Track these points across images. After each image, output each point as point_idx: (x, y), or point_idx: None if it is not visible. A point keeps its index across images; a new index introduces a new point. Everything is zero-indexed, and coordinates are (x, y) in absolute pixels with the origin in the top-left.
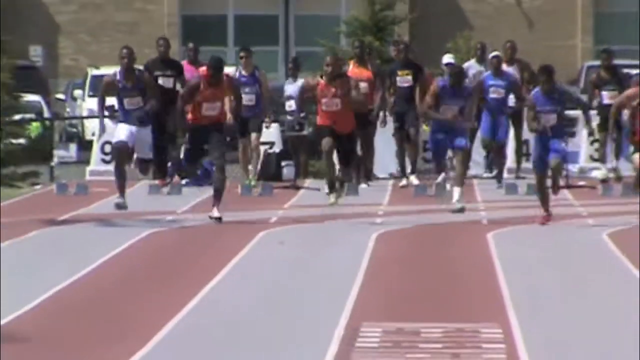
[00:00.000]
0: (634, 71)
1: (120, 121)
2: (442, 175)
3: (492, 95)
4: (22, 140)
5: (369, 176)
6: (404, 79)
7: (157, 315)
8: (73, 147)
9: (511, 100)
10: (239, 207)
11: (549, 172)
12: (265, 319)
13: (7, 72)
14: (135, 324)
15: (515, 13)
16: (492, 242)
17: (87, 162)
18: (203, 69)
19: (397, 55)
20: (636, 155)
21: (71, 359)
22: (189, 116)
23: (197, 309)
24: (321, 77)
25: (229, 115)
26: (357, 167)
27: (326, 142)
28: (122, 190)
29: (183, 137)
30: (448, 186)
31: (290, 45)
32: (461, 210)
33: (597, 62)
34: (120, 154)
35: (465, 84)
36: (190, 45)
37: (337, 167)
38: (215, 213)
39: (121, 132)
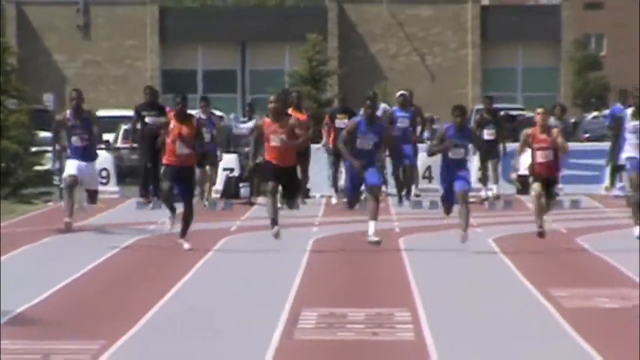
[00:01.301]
0: (514, 112)
1: (69, 157)
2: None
3: (399, 125)
4: (39, 167)
5: (306, 195)
6: (341, 122)
7: (144, 301)
8: None
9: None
10: (206, 218)
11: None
12: (227, 304)
13: (25, 115)
14: (127, 307)
15: (421, 69)
16: (402, 245)
17: None
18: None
19: (339, 103)
20: (535, 184)
21: (78, 332)
22: (167, 157)
23: (174, 298)
24: (267, 116)
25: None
26: (302, 186)
27: (271, 185)
28: (70, 211)
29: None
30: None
31: (246, 93)
32: (378, 243)
33: (480, 106)
34: (70, 185)
35: (378, 122)
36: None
37: (280, 201)
38: (185, 244)
39: (70, 167)
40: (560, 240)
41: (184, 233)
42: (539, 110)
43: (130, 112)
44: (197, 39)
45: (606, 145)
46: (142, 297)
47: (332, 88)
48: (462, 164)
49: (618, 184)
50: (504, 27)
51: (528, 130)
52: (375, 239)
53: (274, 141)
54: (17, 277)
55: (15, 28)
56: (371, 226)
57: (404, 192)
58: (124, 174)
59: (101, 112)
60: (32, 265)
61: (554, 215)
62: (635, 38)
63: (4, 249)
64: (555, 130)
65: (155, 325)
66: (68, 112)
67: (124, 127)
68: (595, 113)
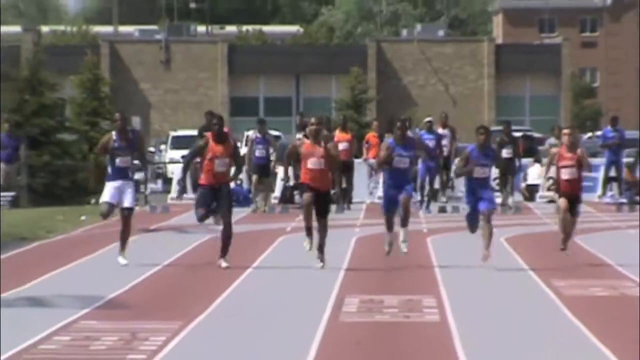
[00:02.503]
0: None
1: (109, 179)
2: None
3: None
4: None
5: (350, 201)
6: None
7: (215, 288)
8: (159, 182)
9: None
10: (267, 220)
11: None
12: (284, 290)
13: None
14: (200, 294)
15: (445, 97)
16: (429, 243)
17: (168, 192)
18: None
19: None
20: (561, 200)
21: (160, 314)
22: (204, 177)
23: (240, 285)
24: (306, 137)
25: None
26: (344, 195)
27: (307, 196)
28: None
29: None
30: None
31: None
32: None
33: (497, 128)
34: (105, 215)
35: (409, 141)
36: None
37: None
38: (223, 263)
39: (108, 193)
40: (560, 239)
41: (224, 252)
42: (566, 130)
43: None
44: (259, 71)
45: (599, 160)
46: (213, 285)
47: (371, 112)
48: (486, 182)
49: (609, 193)
50: (514, 62)
51: (554, 149)
52: (405, 249)
53: (313, 164)
54: (107, 269)
55: (108, 62)
56: (402, 233)
57: (426, 199)
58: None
59: (180, 132)
60: (128, 258)
61: (554, 218)
62: (624, 72)
63: (100, 246)
64: (580, 150)
65: (224, 308)
66: (113, 133)
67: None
68: (589, 134)
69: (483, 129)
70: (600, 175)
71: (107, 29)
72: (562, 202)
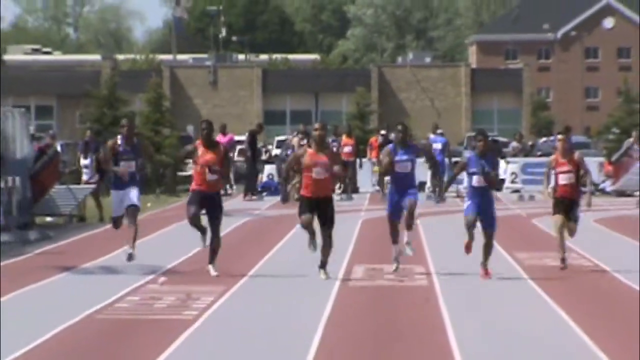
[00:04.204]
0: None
1: (114, 186)
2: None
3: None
4: (182, 173)
5: (356, 191)
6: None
7: (251, 260)
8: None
9: None
10: (284, 208)
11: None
12: (306, 261)
13: (175, 139)
14: (239, 264)
15: (431, 110)
16: (420, 225)
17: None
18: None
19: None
20: (557, 217)
21: (208, 280)
22: (194, 183)
23: (271, 258)
24: (309, 146)
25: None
26: (351, 185)
27: (305, 218)
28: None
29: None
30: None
31: None
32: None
33: (472, 134)
34: (116, 224)
35: (410, 144)
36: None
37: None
38: (213, 272)
39: (116, 206)
40: (522, 221)
41: (212, 259)
42: (559, 136)
43: (242, 137)
44: (286, 90)
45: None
46: (250, 258)
47: (373, 122)
48: (485, 191)
49: None
50: (485, 83)
51: (551, 157)
52: (409, 252)
53: (317, 174)
54: (166, 245)
55: (169, 83)
56: (406, 235)
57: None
58: (237, 178)
59: (281, 137)
60: (175, 237)
61: (519, 204)
62: (571, 91)
63: (162, 226)
64: (577, 154)
65: (258, 276)
66: (119, 138)
67: (239, 147)
68: (544, 138)
69: (481, 135)
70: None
71: (168, 57)
72: (556, 219)
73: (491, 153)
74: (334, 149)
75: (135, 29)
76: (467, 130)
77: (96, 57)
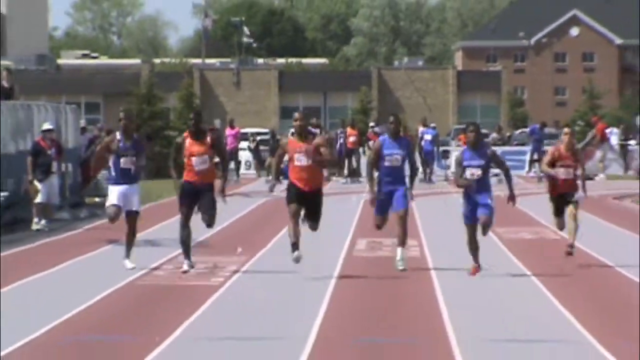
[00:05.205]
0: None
1: (112, 181)
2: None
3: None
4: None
5: (359, 175)
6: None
7: (267, 235)
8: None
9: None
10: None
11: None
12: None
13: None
14: (256, 239)
15: (423, 106)
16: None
17: (238, 169)
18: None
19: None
20: (555, 220)
21: (231, 252)
22: (185, 174)
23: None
24: (292, 135)
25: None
26: (354, 173)
27: (293, 208)
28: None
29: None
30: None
31: (327, 120)
32: (404, 270)
33: (459, 126)
34: (112, 218)
35: (403, 136)
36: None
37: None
38: (185, 266)
39: (114, 195)
40: (499, 201)
41: (186, 255)
42: (566, 129)
43: (259, 130)
44: (299, 89)
45: (527, 148)
46: (269, 233)
47: (373, 115)
48: (483, 183)
49: (532, 170)
50: (470, 83)
51: (553, 148)
52: (401, 267)
53: (299, 161)
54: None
55: (199, 83)
56: (399, 252)
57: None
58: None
59: (245, 129)
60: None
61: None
62: (543, 90)
63: None
64: (579, 150)
65: (273, 249)
66: (117, 133)
67: (258, 137)
68: (520, 130)
69: (473, 126)
70: (527, 157)
71: (198, 60)
72: (556, 220)
73: (483, 145)
74: (325, 138)
75: (170, 37)
76: (454, 123)
77: (136, 61)
